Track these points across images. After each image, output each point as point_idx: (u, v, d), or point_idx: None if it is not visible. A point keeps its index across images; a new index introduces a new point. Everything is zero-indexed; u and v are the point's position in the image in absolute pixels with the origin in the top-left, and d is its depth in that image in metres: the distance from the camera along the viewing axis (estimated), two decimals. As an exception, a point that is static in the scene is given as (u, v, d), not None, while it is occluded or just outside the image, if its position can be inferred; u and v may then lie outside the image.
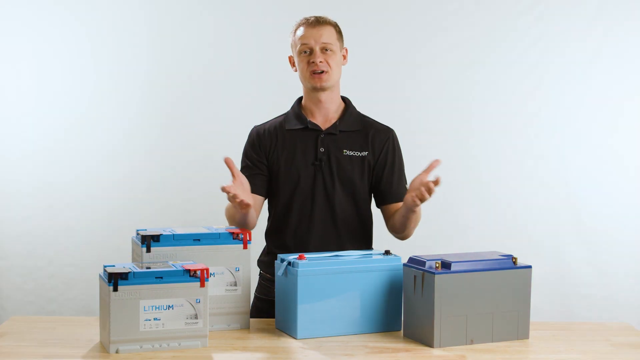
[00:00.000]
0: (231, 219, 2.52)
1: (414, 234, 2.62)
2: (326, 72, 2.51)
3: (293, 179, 2.54)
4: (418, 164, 3.39)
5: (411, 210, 2.42)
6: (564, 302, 3.72)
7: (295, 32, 2.56)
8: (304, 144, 2.56)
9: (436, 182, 2.26)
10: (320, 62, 2.49)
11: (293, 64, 2.60)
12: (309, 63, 2.51)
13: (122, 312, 1.98)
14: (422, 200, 2.31)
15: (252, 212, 2.47)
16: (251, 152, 2.61)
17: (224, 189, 2.25)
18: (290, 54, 2.61)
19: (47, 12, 3.64)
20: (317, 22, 2.53)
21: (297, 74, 2.59)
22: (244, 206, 2.32)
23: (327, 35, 2.52)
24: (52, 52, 3.66)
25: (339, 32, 2.57)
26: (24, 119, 3.67)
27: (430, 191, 2.27)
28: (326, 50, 2.51)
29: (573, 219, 3.71)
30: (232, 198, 2.28)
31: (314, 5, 3.06)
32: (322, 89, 2.53)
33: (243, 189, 2.34)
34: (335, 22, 2.58)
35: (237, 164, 2.61)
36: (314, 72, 2.50)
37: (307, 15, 2.57)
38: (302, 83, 2.57)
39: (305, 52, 2.52)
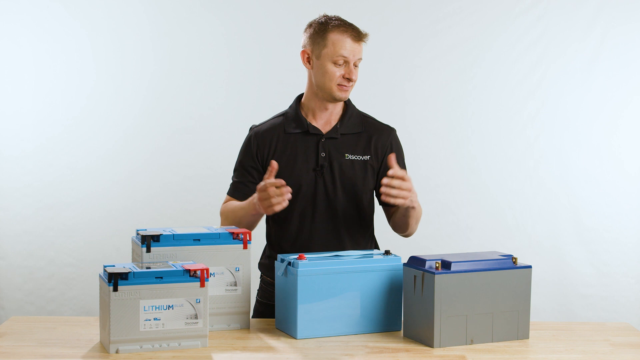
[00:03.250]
0: (235, 221, 2.48)
1: (414, 234, 2.62)
2: (352, 86, 2.47)
3: (294, 184, 2.47)
4: (418, 164, 3.43)
5: (407, 211, 2.40)
6: (564, 302, 3.72)
7: (330, 34, 2.43)
8: (304, 149, 2.51)
9: (394, 177, 2.25)
10: (355, 79, 2.45)
11: (309, 61, 2.49)
12: (343, 76, 2.43)
13: (122, 312, 1.98)
14: (405, 198, 2.27)
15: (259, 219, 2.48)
16: (246, 158, 2.55)
17: (271, 184, 2.25)
18: (299, 47, 2.51)
19: (47, 12, 3.65)
20: (360, 37, 2.45)
21: (301, 71, 2.53)
22: (275, 208, 2.28)
23: (362, 50, 2.47)
24: (52, 52, 3.66)
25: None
26: (24, 118, 3.67)
27: (395, 189, 2.25)
28: (356, 65, 2.47)
29: (573, 219, 3.72)
30: (276, 193, 2.25)
31: (315, 5, 3.06)
32: (341, 100, 2.49)
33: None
34: (366, 34, 2.49)
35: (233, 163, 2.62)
36: (342, 85, 2.44)
37: (344, 20, 2.46)
38: (319, 87, 2.48)
39: (340, 63, 2.43)
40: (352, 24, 2.47)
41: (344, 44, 2.42)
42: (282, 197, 2.28)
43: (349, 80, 2.44)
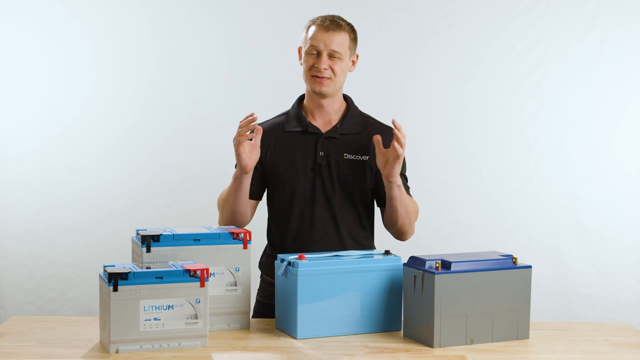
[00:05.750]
0: (224, 202, 2.48)
1: (414, 234, 2.61)
2: (329, 78, 2.45)
3: (292, 183, 2.50)
4: (418, 164, 3.43)
5: (392, 182, 2.37)
6: (564, 302, 3.72)
7: (308, 29, 2.49)
8: (303, 148, 2.51)
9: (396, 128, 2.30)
10: (325, 68, 2.43)
11: (300, 58, 2.54)
12: (313, 66, 2.45)
13: (122, 312, 1.98)
14: (397, 149, 2.31)
15: (245, 193, 2.45)
16: None
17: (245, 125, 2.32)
18: (301, 45, 2.54)
19: (47, 12, 3.65)
20: (332, 26, 2.44)
21: (301, 71, 2.53)
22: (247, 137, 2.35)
23: (338, 41, 2.44)
24: (52, 52, 3.66)
25: (352, 39, 2.49)
26: (24, 118, 3.67)
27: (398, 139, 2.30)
28: (333, 56, 2.44)
29: (573, 219, 3.71)
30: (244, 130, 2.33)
31: (315, 5, 3.06)
32: (322, 94, 2.48)
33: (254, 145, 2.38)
34: (351, 27, 2.50)
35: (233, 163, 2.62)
36: (315, 76, 2.45)
37: (325, 15, 2.49)
38: (304, 81, 2.52)
39: (312, 53, 2.45)
40: (332, 16, 2.49)
41: (314, 34, 2.46)
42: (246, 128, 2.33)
43: (318, 69, 2.44)
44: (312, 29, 2.47)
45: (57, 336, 2.15)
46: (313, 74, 2.45)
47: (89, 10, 3.65)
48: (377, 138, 2.39)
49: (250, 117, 2.33)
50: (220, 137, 3.67)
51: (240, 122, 2.35)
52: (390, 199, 2.44)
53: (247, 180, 2.43)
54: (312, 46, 2.45)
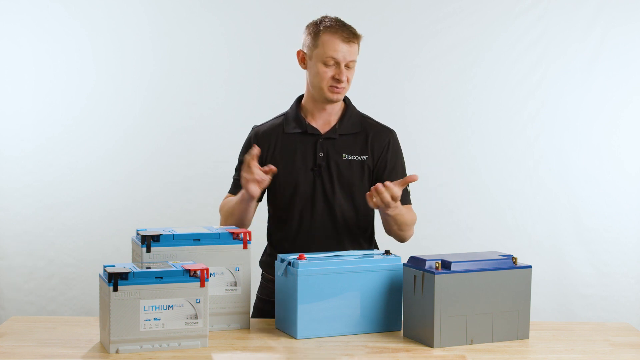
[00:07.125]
0: (229, 215, 2.49)
1: (414, 234, 2.61)
2: (344, 87, 2.47)
3: (292, 184, 2.51)
4: (418, 164, 3.43)
5: (385, 212, 2.39)
6: (564, 302, 3.72)
7: (319, 35, 2.44)
8: (303, 149, 2.52)
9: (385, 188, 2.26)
10: (344, 79, 2.44)
11: (302, 61, 2.51)
12: (332, 77, 2.44)
13: (122, 312, 1.98)
14: (382, 203, 2.29)
15: (251, 209, 2.48)
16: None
17: (247, 159, 2.31)
18: (299, 48, 2.52)
19: (47, 12, 3.65)
20: (352, 38, 2.44)
21: (301, 72, 2.54)
22: (257, 184, 2.33)
23: (354, 52, 2.46)
24: (52, 52, 3.66)
25: (358, 46, 2.51)
26: (24, 118, 3.67)
27: (381, 195, 2.26)
28: (349, 66, 2.45)
29: (573, 219, 3.71)
30: (249, 168, 2.31)
31: (315, 5, 3.06)
32: (336, 102, 2.50)
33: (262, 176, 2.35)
34: (360, 36, 2.50)
35: (235, 163, 2.62)
36: (334, 87, 2.45)
37: (333, 19, 2.46)
38: (312, 88, 2.49)
39: (330, 64, 2.43)
40: (345, 24, 2.47)
41: (334, 45, 2.42)
42: (261, 180, 2.33)
43: (339, 81, 2.44)
44: (328, 37, 2.43)
45: (57, 336, 2.15)
46: (332, 85, 2.45)
47: (89, 10, 3.65)
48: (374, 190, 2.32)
49: (255, 153, 2.33)
50: (220, 137, 3.67)
51: (247, 159, 2.32)
52: (383, 218, 2.45)
53: (254, 202, 2.46)
54: (331, 57, 2.42)
